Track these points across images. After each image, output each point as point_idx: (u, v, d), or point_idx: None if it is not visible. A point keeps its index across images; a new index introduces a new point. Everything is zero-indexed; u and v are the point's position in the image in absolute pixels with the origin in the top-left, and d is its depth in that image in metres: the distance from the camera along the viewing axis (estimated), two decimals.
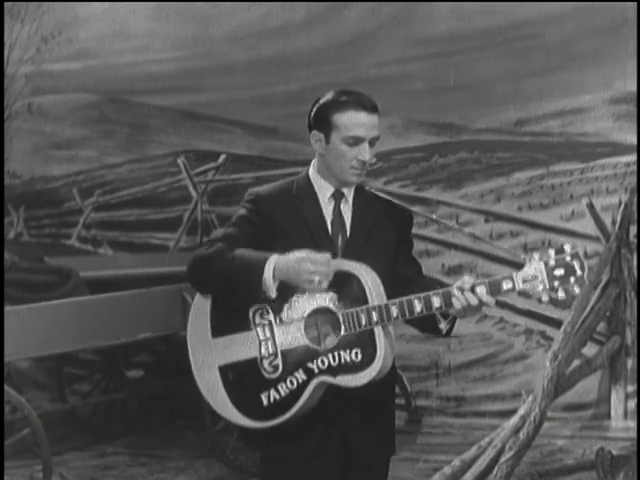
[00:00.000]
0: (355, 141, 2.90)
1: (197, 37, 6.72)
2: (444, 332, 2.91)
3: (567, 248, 2.73)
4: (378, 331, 2.79)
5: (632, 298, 5.40)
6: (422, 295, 2.79)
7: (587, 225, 5.50)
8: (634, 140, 5.35)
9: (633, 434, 5.13)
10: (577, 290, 2.73)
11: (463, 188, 5.89)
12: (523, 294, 2.84)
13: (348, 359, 2.80)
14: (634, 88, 5.33)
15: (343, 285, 2.82)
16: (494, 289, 2.76)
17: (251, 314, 2.89)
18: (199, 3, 6.65)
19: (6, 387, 4.94)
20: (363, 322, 2.79)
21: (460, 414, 5.83)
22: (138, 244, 7.06)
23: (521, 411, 5.02)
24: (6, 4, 7.16)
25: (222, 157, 6.77)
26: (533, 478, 5.14)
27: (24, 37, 7.35)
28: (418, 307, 2.78)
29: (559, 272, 2.72)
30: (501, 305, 5.66)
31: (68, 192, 7.36)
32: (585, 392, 5.47)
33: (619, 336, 5.45)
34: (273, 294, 2.83)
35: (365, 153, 2.90)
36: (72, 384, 6.64)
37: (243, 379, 2.90)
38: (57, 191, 7.41)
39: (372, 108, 2.91)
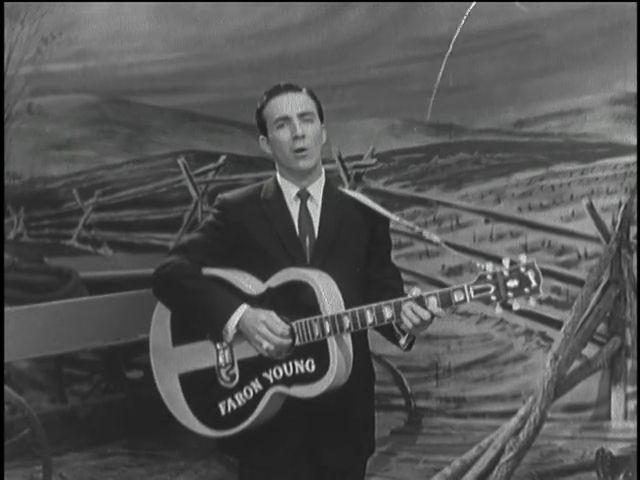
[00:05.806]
0: (283, 122, 2.88)
1: (197, 38, 6.71)
2: (404, 348, 2.84)
3: (522, 258, 2.63)
4: (331, 342, 2.72)
5: (632, 299, 5.39)
6: (374, 305, 2.71)
7: (587, 226, 5.49)
8: (634, 141, 5.35)
9: (633, 435, 5.13)
10: (532, 302, 2.62)
11: (463, 189, 5.88)
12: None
13: (302, 369, 2.75)
14: (634, 89, 5.32)
15: (298, 294, 2.77)
16: (445, 300, 2.67)
17: None
18: (199, 4, 6.65)
19: (6, 388, 4.94)
20: (316, 333, 2.73)
21: (460, 415, 5.82)
22: (138, 245, 7.05)
23: (521, 412, 5.03)
24: (6, 5, 7.16)
25: (222, 158, 6.76)
26: (533, 479, 5.14)
27: (24, 38, 7.35)
28: (370, 318, 2.71)
29: (512, 283, 2.62)
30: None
31: (68, 193, 7.36)
32: (585, 393, 5.46)
33: (619, 337, 5.44)
34: (229, 340, 2.82)
35: (295, 129, 2.86)
36: (72, 385, 6.64)
37: (202, 388, 2.89)
38: (57, 192, 7.41)
39: (287, 88, 2.91)
